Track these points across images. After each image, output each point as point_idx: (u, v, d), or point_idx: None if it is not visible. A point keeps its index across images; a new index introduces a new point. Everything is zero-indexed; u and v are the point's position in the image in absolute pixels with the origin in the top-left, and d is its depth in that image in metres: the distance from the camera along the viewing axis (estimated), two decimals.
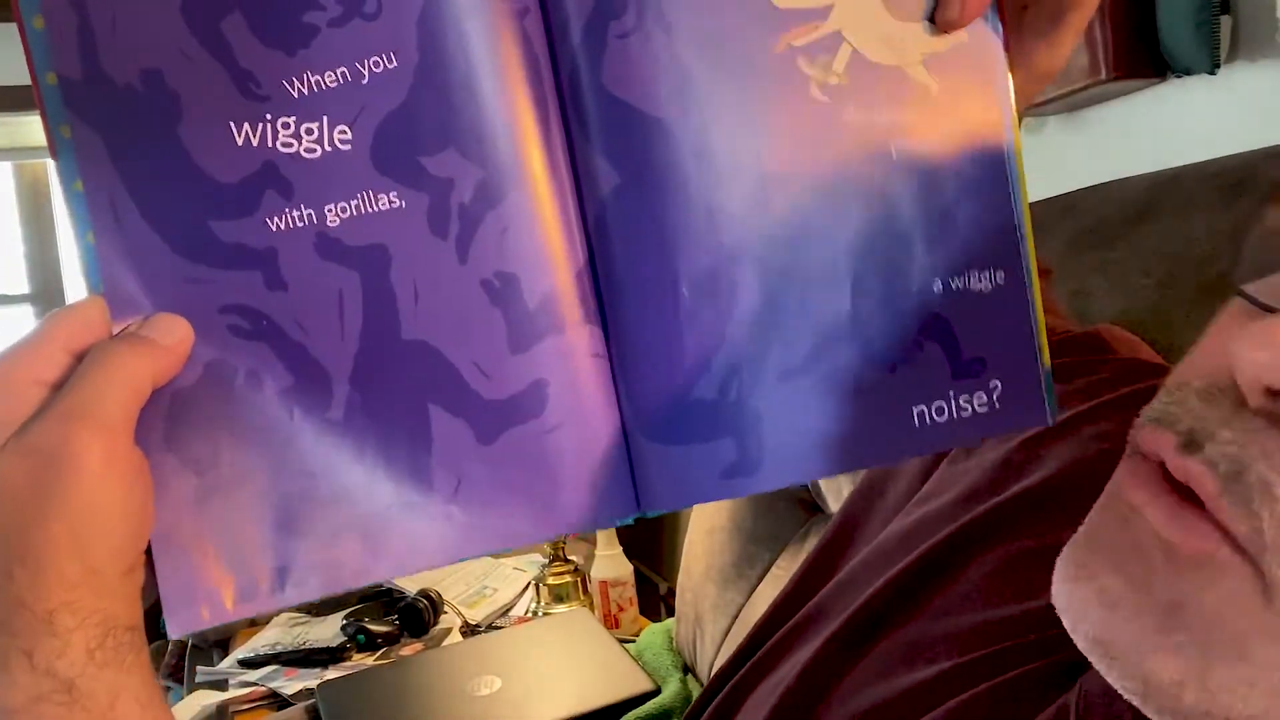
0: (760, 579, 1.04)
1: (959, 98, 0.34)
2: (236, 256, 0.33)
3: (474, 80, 0.33)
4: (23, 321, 2.67)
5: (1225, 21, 1.00)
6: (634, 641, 1.25)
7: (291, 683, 1.30)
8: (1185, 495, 0.24)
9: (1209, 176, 0.68)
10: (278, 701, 1.28)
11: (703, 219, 0.34)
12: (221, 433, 0.33)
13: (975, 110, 0.35)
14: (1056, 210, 0.81)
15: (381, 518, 0.33)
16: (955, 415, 0.35)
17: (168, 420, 0.32)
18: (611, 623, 1.44)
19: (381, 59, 0.32)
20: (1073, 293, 0.74)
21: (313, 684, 1.24)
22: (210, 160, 0.32)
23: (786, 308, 0.34)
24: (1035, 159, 1.36)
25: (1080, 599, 0.27)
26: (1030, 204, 0.35)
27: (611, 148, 0.33)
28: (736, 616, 1.05)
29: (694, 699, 0.47)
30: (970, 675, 0.35)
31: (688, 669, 1.14)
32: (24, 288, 2.68)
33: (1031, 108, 1.22)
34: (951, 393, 0.35)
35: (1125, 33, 1.06)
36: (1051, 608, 0.30)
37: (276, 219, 0.33)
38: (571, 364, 0.34)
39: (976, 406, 0.35)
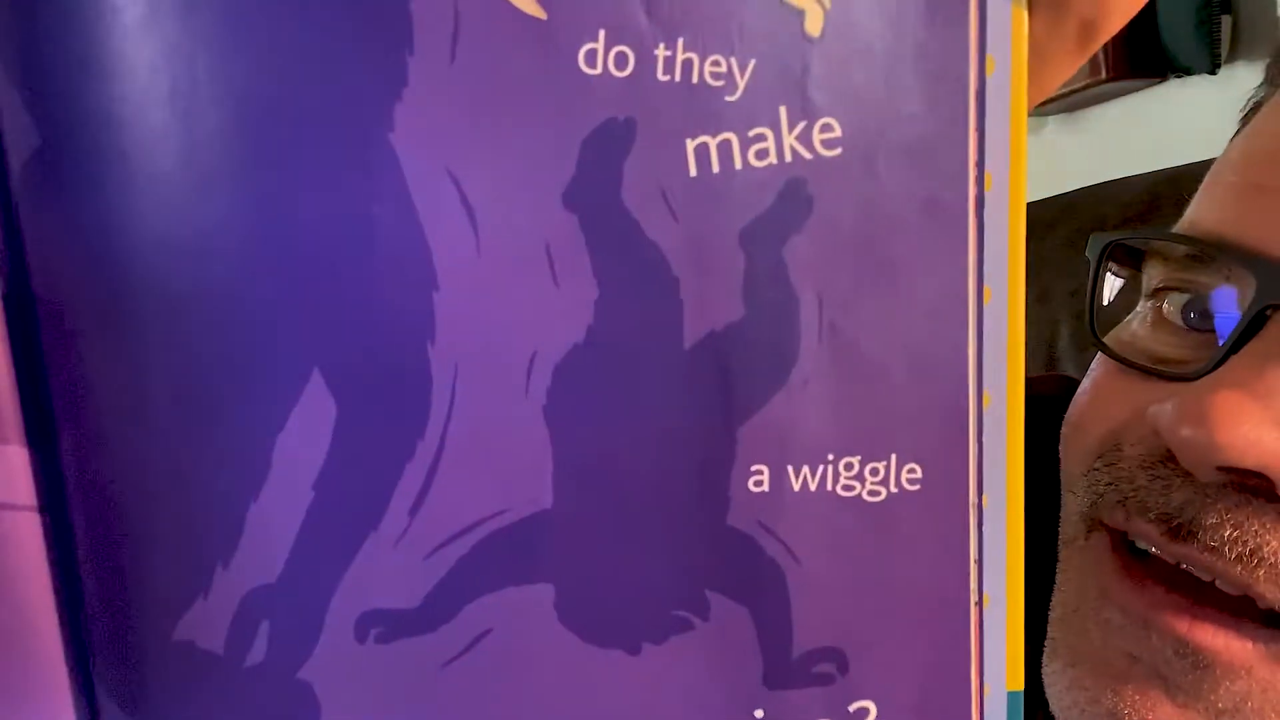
0: None
1: (896, 95, 0.16)
2: None
3: None
4: None
5: (1225, 21, 1.00)
6: None
7: None
8: (1187, 591, 0.23)
9: None
10: None
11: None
12: None
13: (931, 114, 0.17)
14: (1056, 210, 0.81)
15: None
16: None
17: None
18: None
19: None
20: (1072, 293, 0.74)
21: None
22: None
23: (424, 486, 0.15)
24: (1035, 159, 1.36)
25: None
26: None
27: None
28: None
29: None
30: None
31: None
32: None
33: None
34: (761, 714, 0.16)
35: (1125, 33, 1.06)
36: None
37: None
38: None
39: None
